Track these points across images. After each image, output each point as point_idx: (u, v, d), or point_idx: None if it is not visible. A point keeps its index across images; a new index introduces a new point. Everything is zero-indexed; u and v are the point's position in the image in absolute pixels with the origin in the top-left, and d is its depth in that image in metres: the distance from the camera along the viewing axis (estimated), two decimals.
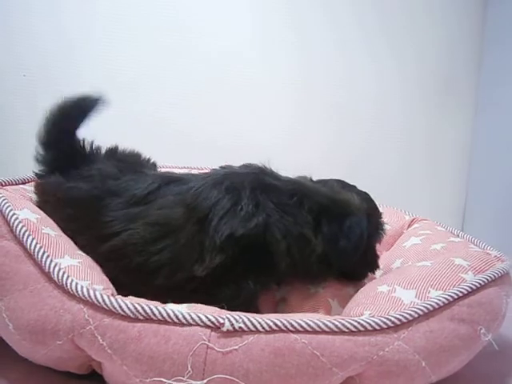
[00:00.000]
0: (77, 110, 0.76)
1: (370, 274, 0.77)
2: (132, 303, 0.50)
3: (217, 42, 1.25)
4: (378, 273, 0.87)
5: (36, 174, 0.77)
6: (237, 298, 0.60)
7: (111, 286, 0.59)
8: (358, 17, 1.30)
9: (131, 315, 0.50)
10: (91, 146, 0.79)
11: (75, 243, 0.66)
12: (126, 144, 0.82)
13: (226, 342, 0.49)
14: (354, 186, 0.80)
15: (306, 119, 1.31)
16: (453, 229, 0.91)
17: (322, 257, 0.66)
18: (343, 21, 1.30)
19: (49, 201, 0.72)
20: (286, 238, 0.63)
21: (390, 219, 1.00)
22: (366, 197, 0.78)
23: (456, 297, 0.57)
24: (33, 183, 0.80)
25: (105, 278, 0.60)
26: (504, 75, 1.28)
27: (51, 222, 0.66)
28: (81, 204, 0.68)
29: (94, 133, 0.77)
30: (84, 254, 0.63)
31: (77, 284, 0.53)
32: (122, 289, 0.58)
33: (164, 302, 0.54)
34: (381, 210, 1.02)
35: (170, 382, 0.48)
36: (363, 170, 1.13)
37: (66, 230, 0.67)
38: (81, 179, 0.70)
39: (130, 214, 0.65)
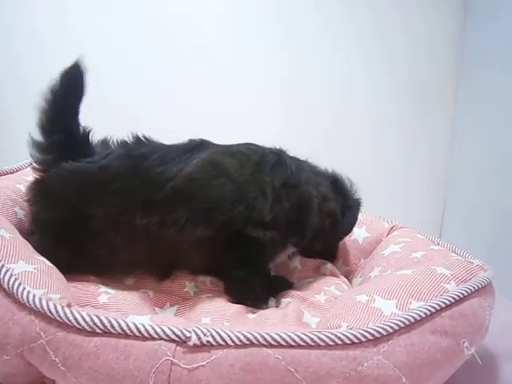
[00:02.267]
0: (70, 86, 0.68)
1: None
2: (89, 315, 0.46)
3: (201, 38, 1.22)
4: (355, 281, 0.84)
5: (37, 165, 0.69)
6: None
7: (69, 295, 0.54)
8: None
9: (88, 328, 0.45)
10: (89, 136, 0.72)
11: (126, 218, 0.64)
12: None
13: (193, 358, 0.45)
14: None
15: (291, 119, 1.28)
16: (432, 237, 0.88)
17: (334, 219, 0.77)
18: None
19: (78, 190, 0.66)
20: (317, 195, 0.73)
21: (369, 227, 0.97)
22: None
23: (438, 308, 0.54)
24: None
25: (63, 286, 0.55)
26: (483, 81, 1.28)
27: (7, 223, 0.61)
28: (125, 172, 0.65)
29: None
30: (42, 259, 0.58)
31: (29, 292, 0.48)
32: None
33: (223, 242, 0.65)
34: (360, 217, 1.01)
35: None
36: None
37: (110, 209, 0.64)
38: (103, 159, 0.67)
39: (181, 162, 0.66)
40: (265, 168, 0.69)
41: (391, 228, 0.97)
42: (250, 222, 0.66)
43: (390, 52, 1.34)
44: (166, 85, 1.22)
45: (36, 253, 0.60)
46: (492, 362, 0.72)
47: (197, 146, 0.70)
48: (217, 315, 0.61)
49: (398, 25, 1.34)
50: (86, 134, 0.70)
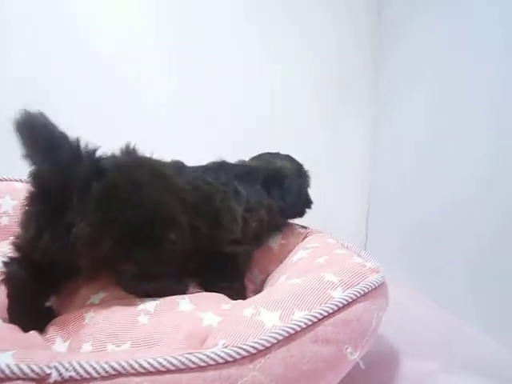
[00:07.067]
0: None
1: (306, 209, 1.00)
2: None
3: (102, 38, 1.17)
4: (265, 289, 0.84)
5: None
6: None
7: None
8: (256, 15, 1.30)
9: None
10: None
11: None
12: None
13: None
14: (278, 153, 1.03)
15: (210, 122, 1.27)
16: (343, 241, 0.90)
17: (279, 211, 0.92)
18: (240, 20, 1.28)
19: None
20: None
21: (285, 233, 0.98)
22: (290, 158, 1.02)
23: (321, 317, 0.55)
24: None
25: None
26: (402, 80, 1.31)
27: None
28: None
29: None
30: None
31: None
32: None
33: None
34: None
35: None
36: None
37: None
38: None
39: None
40: (229, 197, 0.81)
41: (306, 233, 0.98)
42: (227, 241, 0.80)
43: (306, 51, 1.36)
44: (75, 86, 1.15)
45: None
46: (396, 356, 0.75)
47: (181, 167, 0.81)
48: (98, 337, 0.58)
49: (313, 23, 1.35)
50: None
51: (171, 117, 1.24)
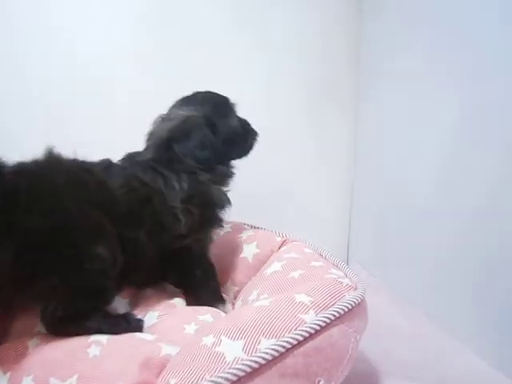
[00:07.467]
0: None
1: (254, 142, 0.91)
2: None
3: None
4: (237, 306, 0.79)
5: None
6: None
7: None
8: (235, 14, 1.23)
9: None
10: None
11: None
12: None
13: None
14: (195, 94, 0.88)
15: None
16: (321, 250, 0.84)
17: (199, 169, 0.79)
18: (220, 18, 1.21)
19: None
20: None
21: (260, 242, 0.92)
22: (206, 97, 0.87)
23: (289, 346, 0.49)
24: None
25: None
26: (384, 78, 1.27)
27: None
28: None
29: None
30: None
31: None
32: None
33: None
34: (251, 232, 0.96)
35: None
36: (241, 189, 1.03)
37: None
38: None
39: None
40: (166, 196, 0.74)
41: (283, 242, 0.92)
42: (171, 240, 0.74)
43: (290, 50, 1.29)
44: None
45: None
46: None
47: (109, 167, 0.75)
48: (41, 369, 0.52)
49: (292, 24, 1.29)
50: None
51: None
